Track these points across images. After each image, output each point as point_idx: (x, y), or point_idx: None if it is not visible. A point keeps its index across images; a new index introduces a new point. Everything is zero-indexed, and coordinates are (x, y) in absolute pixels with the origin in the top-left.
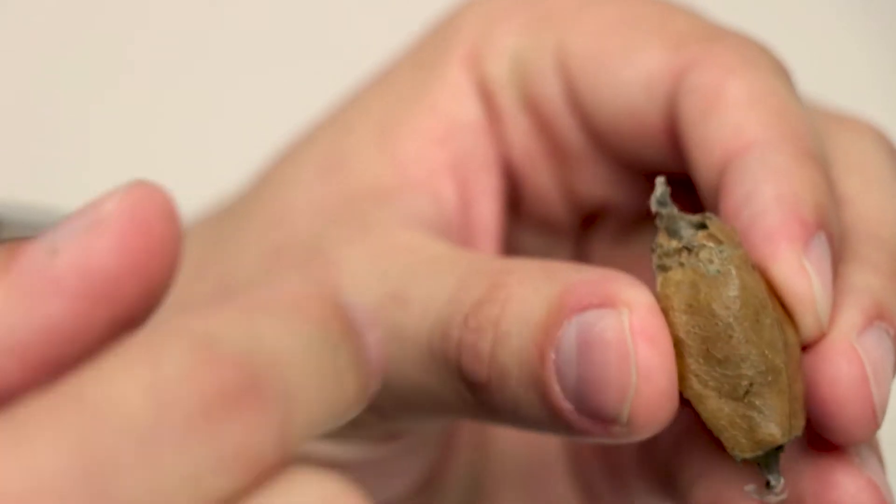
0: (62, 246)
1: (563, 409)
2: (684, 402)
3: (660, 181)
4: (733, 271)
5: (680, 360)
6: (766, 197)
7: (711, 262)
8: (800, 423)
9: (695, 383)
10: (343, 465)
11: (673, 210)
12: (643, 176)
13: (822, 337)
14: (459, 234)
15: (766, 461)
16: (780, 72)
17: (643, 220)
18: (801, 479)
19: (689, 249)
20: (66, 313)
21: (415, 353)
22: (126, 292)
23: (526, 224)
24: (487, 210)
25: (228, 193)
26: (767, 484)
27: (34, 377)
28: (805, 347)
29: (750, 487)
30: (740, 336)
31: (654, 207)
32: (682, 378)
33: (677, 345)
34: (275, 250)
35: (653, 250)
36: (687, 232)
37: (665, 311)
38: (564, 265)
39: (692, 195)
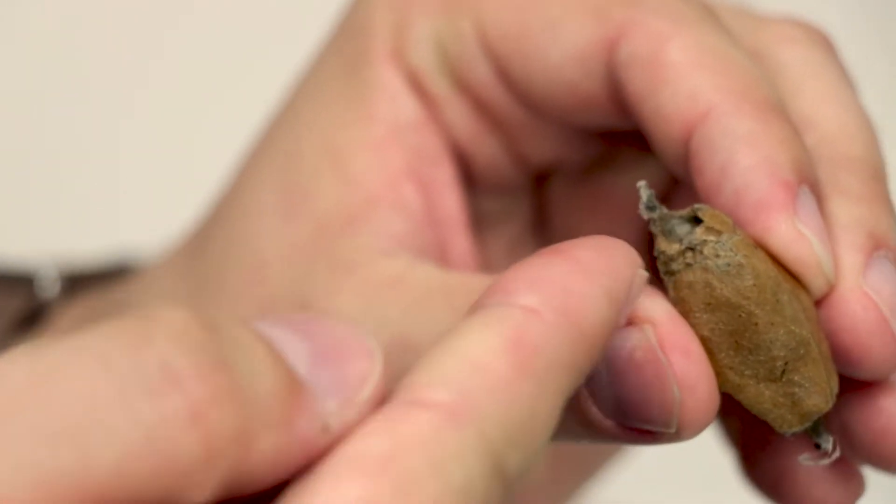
0: (335, 424)
1: (605, 427)
2: (724, 395)
3: (642, 186)
4: (743, 260)
5: (712, 357)
6: (742, 168)
7: (718, 256)
8: (836, 381)
9: (731, 376)
10: None
11: (663, 211)
12: (587, 132)
13: (832, 289)
14: (431, 235)
15: (814, 427)
16: (707, 16)
17: (594, 167)
18: (845, 410)
19: (691, 249)
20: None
21: None
22: None
23: (482, 191)
24: (450, 201)
25: (190, 225)
26: (817, 446)
27: None
28: (818, 302)
29: (804, 457)
30: (765, 321)
31: (644, 214)
32: (717, 374)
33: (705, 343)
34: (262, 307)
35: (656, 258)
36: (682, 229)
37: (685, 315)
38: None
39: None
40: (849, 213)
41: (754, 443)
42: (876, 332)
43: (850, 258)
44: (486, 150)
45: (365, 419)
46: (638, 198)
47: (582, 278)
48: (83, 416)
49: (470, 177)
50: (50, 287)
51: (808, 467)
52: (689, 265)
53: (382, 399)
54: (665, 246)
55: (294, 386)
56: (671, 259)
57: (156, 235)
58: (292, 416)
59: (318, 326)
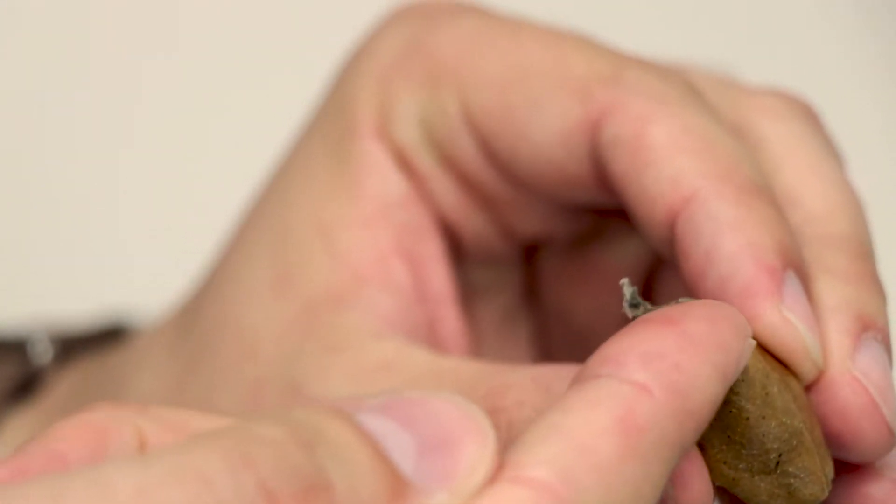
0: None
1: None
2: (719, 489)
3: (625, 283)
4: None
5: (704, 453)
6: (726, 254)
7: None
8: (831, 467)
9: (725, 470)
10: None
11: (647, 307)
12: (574, 207)
13: (821, 374)
14: (420, 313)
15: None
16: (689, 95)
17: (585, 240)
18: (832, 497)
19: None
20: None
21: None
22: None
23: (471, 263)
24: (439, 277)
25: (179, 300)
26: None
27: None
28: (808, 388)
29: None
30: (756, 415)
31: (628, 313)
32: (711, 469)
33: (698, 441)
34: (252, 387)
35: None
36: None
37: None
38: (553, 372)
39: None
40: (836, 294)
41: None
42: (866, 416)
43: (839, 341)
44: (474, 224)
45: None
46: (621, 296)
47: (694, 355)
48: None
49: (459, 250)
50: (43, 353)
51: None
52: None
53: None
54: None
55: (399, 487)
56: None
57: (143, 295)
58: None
59: (424, 412)
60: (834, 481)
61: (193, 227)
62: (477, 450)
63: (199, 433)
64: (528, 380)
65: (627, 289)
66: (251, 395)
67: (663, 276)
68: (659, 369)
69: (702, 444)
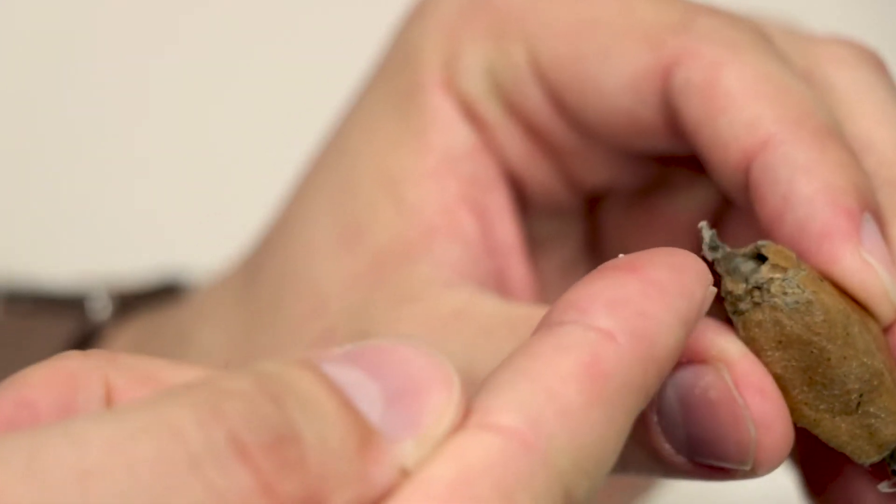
0: (412, 465)
1: (677, 463)
2: (800, 431)
3: (703, 227)
4: (811, 296)
5: (786, 394)
6: (804, 196)
7: (785, 293)
8: None
9: (806, 411)
10: None
11: (726, 250)
12: (640, 156)
13: None
14: (489, 263)
15: (892, 455)
16: (760, 41)
17: (648, 188)
18: None
19: (758, 288)
20: None
21: None
22: None
23: (535, 214)
24: (506, 228)
25: (239, 255)
26: (895, 472)
27: None
28: (886, 330)
29: (884, 485)
30: (837, 355)
31: (708, 255)
32: (792, 410)
33: (778, 381)
34: (321, 338)
35: (723, 298)
36: (747, 267)
37: (756, 354)
38: None
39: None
40: None
41: (822, 473)
42: None
43: None
44: (540, 174)
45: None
46: (700, 239)
47: (658, 301)
48: (162, 483)
49: (523, 201)
50: (101, 310)
51: (879, 495)
52: (756, 304)
53: (461, 424)
54: (732, 286)
55: (367, 436)
56: (739, 299)
57: (201, 255)
58: (367, 469)
59: (391, 361)
60: None
61: (250, 189)
62: (443, 398)
63: (171, 388)
64: None
65: (706, 232)
66: (320, 347)
67: (727, 225)
68: (624, 316)
69: (783, 387)
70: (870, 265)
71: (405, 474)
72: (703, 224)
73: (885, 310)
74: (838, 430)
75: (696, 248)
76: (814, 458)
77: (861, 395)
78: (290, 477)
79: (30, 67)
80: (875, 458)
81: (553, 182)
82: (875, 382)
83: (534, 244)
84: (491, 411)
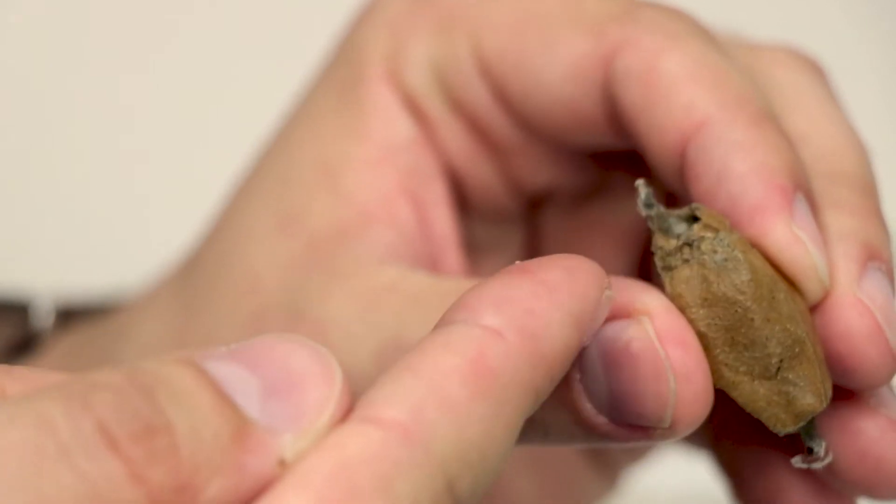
0: (290, 456)
1: (598, 424)
2: (717, 392)
3: (640, 184)
4: (740, 255)
5: (707, 353)
6: (738, 173)
7: (715, 251)
8: (830, 384)
9: (726, 372)
10: None
11: (661, 209)
12: (582, 155)
13: (826, 296)
14: (423, 250)
15: (806, 429)
16: (701, 34)
17: (587, 194)
18: (824, 434)
19: (689, 245)
20: None
21: None
22: None
23: (475, 217)
24: (443, 220)
25: (180, 253)
26: (810, 450)
27: None
28: (812, 308)
29: (797, 459)
30: (761, 317)
31: (642, 211)
32: (713, 371)
33: (701, 339)
34: (254, 317)
35: (653, 253)
36: (679, 227)
37: (681, 310)
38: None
39: (638, 166)
40: (843, 224)
41: (747, 468)
42: (871, 339)
43: (845, 266)
44: (481, 173)
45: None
46: (636, 195)
47: (547, 301)
48: (30, 469)
49: (464, 201)
50: (45, 317)
51: (801, 490)
52: (686, 261)
53: (344, 418)
54: (662, 242)
55: (242, 428)
56: (668, 254)
57: (147, 265)
58: (241, 459)
59: (270, 355)
60: (827, 416)
61: (192, 204)
62: (323, 390)
63: (46, 384)
64: None
65: (643, 189)
66: (253, 325)
67: None
68: (511, 314)
69: (705, 345)
70: (800, 240)
71: (284, 466)
72: (640, 182)
73: (812, 286)
74: (756, 395)
75: (634, 256)
76: (728, 438)
77: (781, 361)
78: (159, 465)
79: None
80: (791, 429)
81: (493, 182)
82: (797, 349)
83: (474, 251)
84: (373, 405)
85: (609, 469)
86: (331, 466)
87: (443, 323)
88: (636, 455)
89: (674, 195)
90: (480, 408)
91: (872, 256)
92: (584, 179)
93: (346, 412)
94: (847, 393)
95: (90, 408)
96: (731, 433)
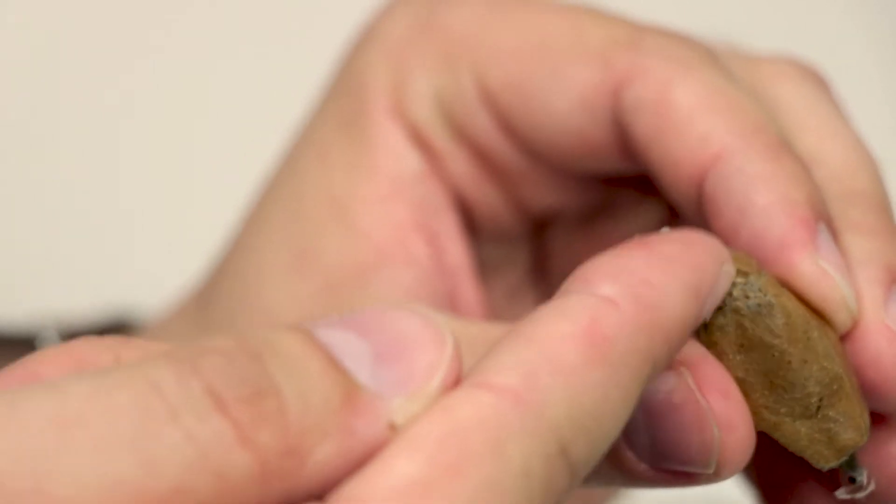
0: (400, 420)
1: (639, 470)
2: (760, 435)
3: (666, 231)
4: (773, 300)
5: (747, 397)
6: (760, 207)
7: (747, 297)
8: (867, 416)
9: (766, 414)
10: None
11: None
12: (587, 178)
13: (855, 325)
14: (440, 284)
15: (848, 462)
16: (710, 59)
17: (594, 212)
18: (859, 455)
19: None
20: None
21: None
22: None
23: (483, 239)
24: (456, 250)
25: (191, 286)
26: (852, 480)
27: None
28: (843, 337)
29: (841, 491)
30: (798, 358)
31: None
32: (753, 414)
33: (740, 384)
34: None
35: None
36: None
37: (718, 358)
38: None
39: (644, 183)
40: (863, 247)
41: (779, 487)
42: None
43: (870, 292)
44: (488, 199)
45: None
46: None
47: (663, 271)
48: (141, 430)
49: (472, 226)
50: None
51: None
52: (719, 309)
53: (455, 384)
54: None
55: (351, 392)
56: None
57: (151, 291)
58: (351, 422)
59: (380, 321)
60: (860, 452)
61: (197, 224)
62: (434, 355)
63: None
64: None
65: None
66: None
67: None
68: (627, 284)
69: (744, 390)
70: (827, 273)
71: (394, 430)
72: (665, 230)
73: (842, 317)
74: (798, 435)
75: None
76: (771, 473)
77: (821, 399)
78: (267, 429)
79: None
80: (834, 464)
81: (501, 206)
82: (835, 387)
83: (482, 270)
84: (485, 372)
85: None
86: (442, 430)
87: (558, 295)
88: None
89: (677, 213)
90: (595, 374)
91: (894, 278)
92: (590, 200)
93: (457, 378)
94: (878, 417)
95: (199, 371)
96: (771, 470)
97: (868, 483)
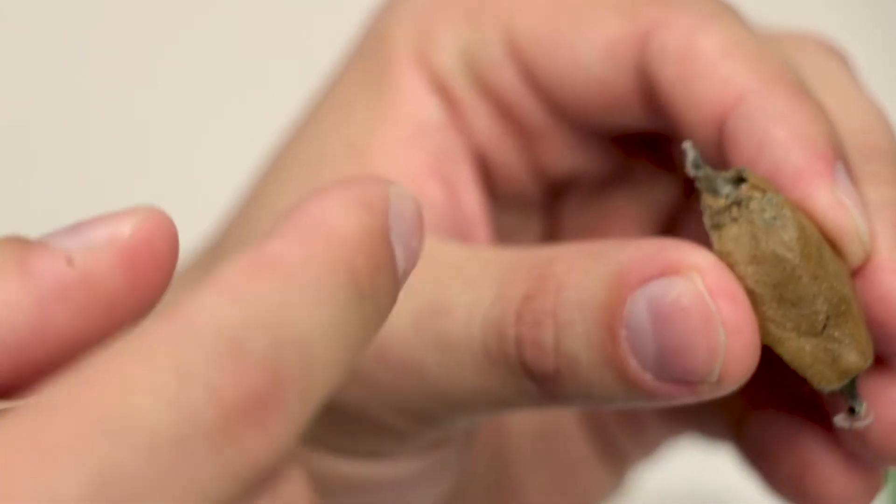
0: (78, 257)
1: (643, 380)
2: (763, 349)
3: (688, 146)
4: (788, 213)
5: (755, 309)
6: (780, 140)
7: (764, 210)
8: (872, 344)
9: (773, 328)
10: (387, 483)
11: (708, 170)
12: (606, 140)
13: (867, 260)
14: (454, 227)
15: (849, 389)
16: (735, 15)
17: (608, 183)
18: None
19: (737, 204)
20: (69, 320)
21: (468, 359)
22: (124, 308)
23: (498, 203)
24: (473, 201)
25: (208, 235)
26: (852, 410)
27: (23, 376)
28: (853, 273)
29: (839, 417)
30: (809, 274)
31: (690, 172)
32: (759, 327)
33: (749, 296)
34: None
35: (703, 212)
36: (726, 188)
37: (730, 267)
38: (605, 244)
39: (658, 151)
40: (879, 194)
41: (775, 446)
42: None
43: (884, 233)
44: (506, 157)
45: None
46: (684, 156)
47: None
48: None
49: (489, 186)
50: None
51: (831, 464)
52: (734, 219)
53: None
54: (711, 201)
55: (22, 244)
56: (717, 213)
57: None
58: (27, 264)
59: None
60: (860, 384)
61: (218, 179)
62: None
63: None
64: (574, 249)
65: (690, 151)
66: None
67: (683, 225)
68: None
69: (753, 302)
70: (844, 203)
71: (72, 264)
72: (687, 143)
73: (855, 248)
74: (802, 352)
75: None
76: (765, 432)
77: (828, 318)
78: None
79: None
80: (835, 386)
81: (518, 166)
82: (843, 307)
83: (495, 237)
84: None
85: (618, 464)
86: None
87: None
88: (647, 449)
89: (690, 191)
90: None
91: None
92: (607, 165)
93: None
94: (878, 362)
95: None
96: (762, 402)
97: (867, 414)
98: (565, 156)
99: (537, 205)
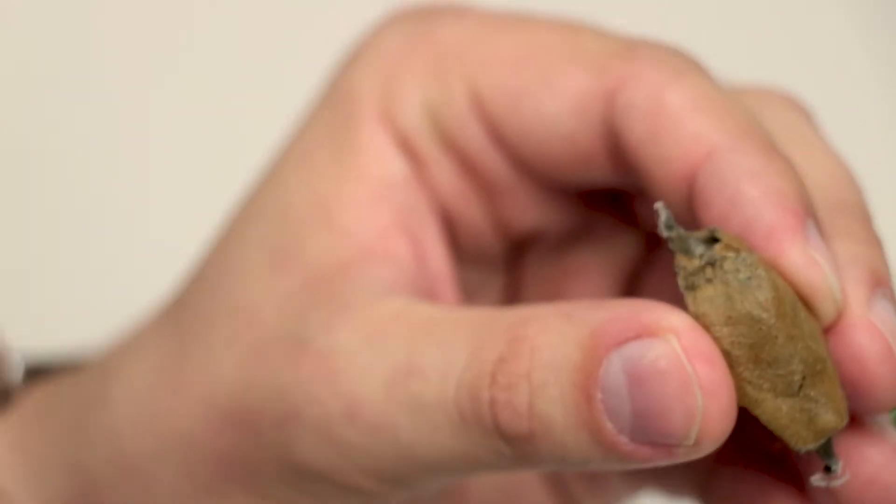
0: None
1: (619, 443)
2: (740, 411)
3: (660, 207)
4: (763, 273)
5: (731, 371)
6: (751, 197)
7: (738, 270)
8: (847, 403)
9: (749, 390)
10: None
11: (681, 231)
12: (570, 195)
13: (839, 318)
14: (422, 286)
15: (825, 448)
16: (702, 71)
17: (571, 238)
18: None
19: (711, 264)
20: None
21: (443, 421)
22: None
23: (461, 260)
24: (439, 258)
25: (170, 292)
26: (827, 469)
27: None
28: (826, 329)
29: (816, 478)
30: (784, 334)
31: (663, 233)
32: (736, 388)
33: (725, 357)
34: (252, 352)
35: (676, 273)
36: (699, 248)
37: (705, 329)
38: (579, 305)
39: (621, 206)
40: (849, 250)
41: (743, 502)
42: (883, 361)
43: (855, 291)
44: (470, 213)
45: None
46: (656, 217)
47: None
48: None
49: (453, 243)
50: (15, 371)
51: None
52: (709, 280)
53: None
54: (685, 262)
55: None
56: (691, 274)
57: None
58: None
59: None
60: (835, 442)
61: (180, 235)
62: None
63: None
64: (547, 309)
65: (663, 212)
66: (253, 359)
67: (647, 277)
68: None
69: (729, 363)
70: (816, 261)
71: None
72: (659, 204)
73: (827, 306)
74: (779, 412)
75: (619, 295)
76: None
77: (804, 378)
78: None
79: None
80: (811, 446)
81: (482, 223)
82: (818, 367)
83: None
84: None
85: None
86: None
87: None
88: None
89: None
90: None
91: (879, 282)
92: (570, 221)
93: None
94: (850, 421)
95: None
96: (729, 458)
97: (843, 473)
98: (529, 211)
99: (500, 260)
